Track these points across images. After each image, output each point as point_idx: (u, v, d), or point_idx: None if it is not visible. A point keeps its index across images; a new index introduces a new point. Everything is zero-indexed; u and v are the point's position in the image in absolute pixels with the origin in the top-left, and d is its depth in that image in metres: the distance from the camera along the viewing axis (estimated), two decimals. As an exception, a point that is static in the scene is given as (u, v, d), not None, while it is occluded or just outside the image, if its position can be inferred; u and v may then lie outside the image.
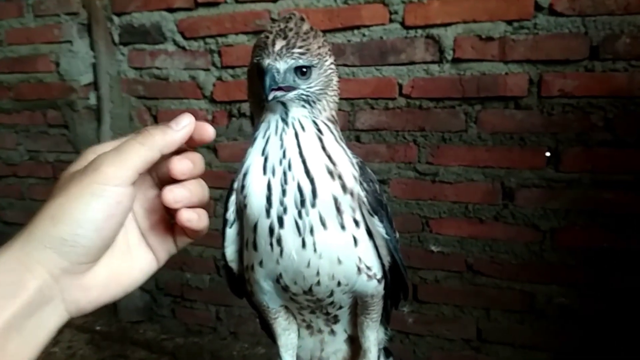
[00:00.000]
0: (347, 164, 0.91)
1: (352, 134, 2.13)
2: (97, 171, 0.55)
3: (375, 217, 0.93)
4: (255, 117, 0.97)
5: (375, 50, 2.02)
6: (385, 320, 1.23)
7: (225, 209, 0.98)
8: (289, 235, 0.88)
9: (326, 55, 0.90)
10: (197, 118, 2.16)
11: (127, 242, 0.63)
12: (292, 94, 0.87)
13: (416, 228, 2.12)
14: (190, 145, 0.66)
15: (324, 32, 2.05)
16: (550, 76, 1.83)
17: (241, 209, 0.93)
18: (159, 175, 0.65)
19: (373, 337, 1.13)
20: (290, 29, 0.86)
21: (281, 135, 0.89)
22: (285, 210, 0.87)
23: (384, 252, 0.99)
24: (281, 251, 0.90)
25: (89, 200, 0.54)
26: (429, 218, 2.10)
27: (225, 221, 0.99)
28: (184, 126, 0.62)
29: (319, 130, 0.90)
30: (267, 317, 1.10)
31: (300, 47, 0.85)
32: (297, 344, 1.16)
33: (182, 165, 0.62)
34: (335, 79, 0.95)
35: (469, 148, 1.98)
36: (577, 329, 1.97)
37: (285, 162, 0.87)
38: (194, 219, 0.63)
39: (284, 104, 0.89)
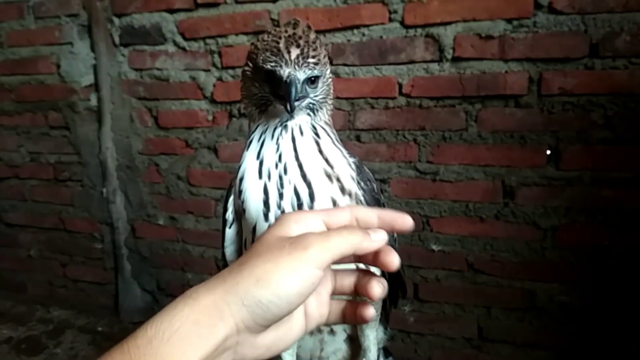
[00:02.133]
0: (344, 166, 0.91)
1: (352, 134, 2.13)
2: (306, 251, 0.58)
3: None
4: (250, 119, 0.97)
5: (375, 50, 2.02)
6: (385, 319, 1.23)
7: (225, 210, 0.99)
8: None
9: (327, 63, 0.91)
10: (197, 119, 2.16)
11: (295, 312, 0.66)
12: (303, 103, 0.88)
13: (417, 227, 2.12)
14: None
15: (324, 32, 2.07)
16: (550, 74, 1.83)
17: (240, 211, 0.93)
18: None
19: (372, 336, 1.13)
20: (300, 37, 0.85)
21: (277, 139, 0.89)
22: (283, 213, 0.87)
23: None
24: None
25: (293, 276, 0.57)
26: (429, 217, 2.10)
27: (224, 221, 1.00)
28: (380, 240, 0.65)
29: (317, 134, 0.91)
30: None
31: (313, 57, 0.85)
32: (296, 343, 1.16)
33: (379, 289, 0.67)
34: (331, 86, 0.96)
35: (470, 147, 1.98)
36: (578, 327, 1.97)
37: (280, 166, 0.88)
38: (373, 313, 0.71)
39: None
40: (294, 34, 0.85)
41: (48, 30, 2.61)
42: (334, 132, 0.96)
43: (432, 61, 1.96)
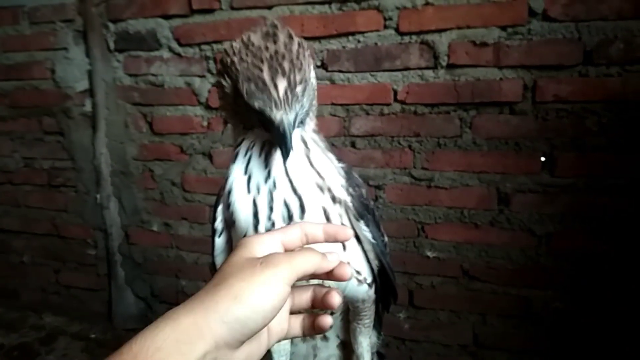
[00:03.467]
0: (335, 175, 0.90)
1: (347, 140, 2.13)
2: (277, 268, 0.64)
3: (362, 221, 0.93)
4: (233, 128, 0.94)
5: (370, 56, 2.03)
6: (378, 324, 1.23)
7: (214, 219, 0.98)
8: None
9: (310, 68, 0.84)
10: (192, 124, 2.15)
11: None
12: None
13: (412, 233, 2.12)
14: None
15: (319, 38, 2.06)
16: (544, 81, 1.83)
17: (230, 222, 0.92)
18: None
19: (366, 343, 1.13)
20: (284, 56, 0.77)
21: (266, 156, 0.87)
22: (273, 225, 0.86)
23: (371, 256, 0.99)
24: None
25: (267, 292, 0.62)
26: (424, 223, 2.10)
27: (214, 231, 0.99)
28: (335, 260, 0.73)
29: (306, 146, 0.88)
30: None
31: (300, 82, 0.77)
32: (289, 350, 1.15)
33: (336, 299, 0.74)
34: (316, 83, 0.91)
35: (464, 153, 1.98)
36: (573, 334, 1.96)
37: (270, 182, 0.86)
38: (331, 321, 0.77)
39: None
40: (276, 52, 0.77)
41: (43, 36, 2.60)
42: (322, 138, 0.94)
43: (427, 68, 1.97)
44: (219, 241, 1.00)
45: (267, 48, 0.77)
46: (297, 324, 0.78)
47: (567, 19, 1.77)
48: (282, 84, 0.76)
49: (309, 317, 0.78)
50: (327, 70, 2.10)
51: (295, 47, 0.79)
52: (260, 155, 0.87)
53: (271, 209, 0.86)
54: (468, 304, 2.11)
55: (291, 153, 0.80)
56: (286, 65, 0.77)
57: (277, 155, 0.85)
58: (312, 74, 0.85)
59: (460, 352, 2.16)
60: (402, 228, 2.11)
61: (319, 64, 2.10)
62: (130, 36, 2.42)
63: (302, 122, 0.88)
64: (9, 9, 2.64)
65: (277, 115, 0.76)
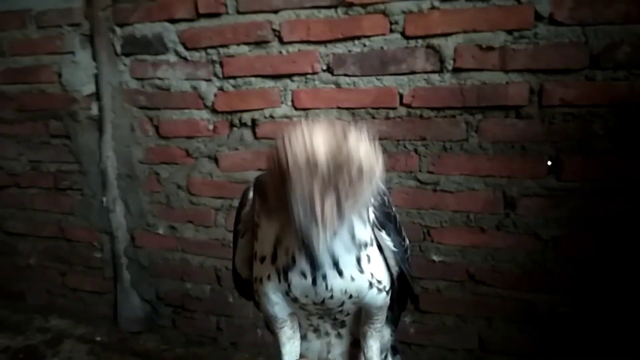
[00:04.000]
0: (366, 229, 0.91)
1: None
2: None
3: (383, 231, 0.94)
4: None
5: (376, 60, 2.03)
6: (392, 321, 1.24)
7: (237, 221, 0.99)
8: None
9: (377, 187, 0.79)
10: (198, 128, 2.17)
11: None
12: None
13: (417, 237, 2.11)
14: None
15: (325, 42, 2.07)
16: (551, 85, 1.83)
17: (256, 225, 0.93)
18: None
19: (376, 346, 1.14)
20: (342, 185, 0.70)
21: None
22: None
23: (392, 263, 1.01)
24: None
25: None
26: (430, 227, 2.09)
27: (237, 232, 1.00)
28: None
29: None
30: (273, 326, 1.11)
31: (350, 207, 0.73)
32: (299, 351, 1.16)
33: None
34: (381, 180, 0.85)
35: (470, 157, 1.98)
36: (579, 338, 1.96)
37: None
38: None
39: None
40: (337, 181, 0.69)
41: (50, 40, 2.62)
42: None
43: (433, 72, 1.97)
44: (241, 242, 1.02)
45: (326, 172, 0.71)
46: None
47: (573, 22, 1.77)
48: (329, 212, 0.71)
49: None
50: (332, 74, 2.10)
51: (354, 172, 0.73)
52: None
53: None
54: (474, 308, 2.10)
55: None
56: (342, 195, 0.71)
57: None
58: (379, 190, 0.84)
59: (466, 357, 2.16)
60: (407, 232, 2.09)
61: (324, 67, 2.11)
62: (137, 40, 2.43)
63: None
64: (16, 13, 2.66)
65: (317, 239, 0.72)
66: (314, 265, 0.80)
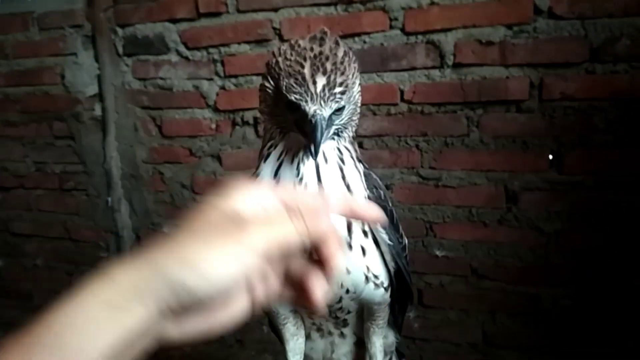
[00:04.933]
0: (361, 189, 0.91)
1: (355, 141, 2.14)
2: (246, 234, 0.52)
3: (378, 224, 0.94)
4: (268, 131, 0.94)
5: (376, 57, 2.03)
6: (394, 325, 1.24)
7: None
8: None
9: (355, 79, 0.86)
10: (201, 127, 2.17)
11: (233, 296, 0.58)
12: (330, 134, 0.86)
13: (420, 233, 2.12)
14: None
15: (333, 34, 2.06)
16: (551, 79, 1.83)
17: None
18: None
19: (379, 342, 1.14)
20: (327, 58, 0.79)
21: (298, 164, 0.87)
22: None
23: (388, 257, 1.00)
24: None
25: (227, 260, 0.50)
26: (432, 223, 2.10)
27: None
28: (335, 238, 0.58)
29: (341, 158, 0.89)
30: (276, 322, 1.12)
31: (340, 85, 0.79)
32: (304, 348, 1.17)
33: (319, 291, 0.59)
34: (360, 98, 0.92)
35: (472, 152, 1.99)
36: (582, 331, 1.96)
37: (301, 185, 0.87)
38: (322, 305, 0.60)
39: None
40: (320, 53, 0.79)
41: (52, 41, 2.63)
42: (356, 147, 0.96)
43: (433, 67, 1.98)
44: None
45: (312, 49, 0.80)
46: (288, 295, 0.63)
47: (572, 16, 1.77)
48: (321, 81, 0.78)
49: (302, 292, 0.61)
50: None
51: (340, 52, 0.82)
52: (292, 162, 0.87)
53: None
54: (477, 303, 2.11)
55: (325, 165, 0.84)
56: (328, 65, 0.79)
57: (310, 163, 0.86)
58: (357, 88, 0.87)
59: (469, 351, 2.17)
60: (410, 227, 2.12)
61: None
62: (139, 41, 2.44)
63: (338, 134, 0.89)
64: (19, 16, 2.67)
65: (312, 108, 0.78)
66: (315, 138, 0.78)
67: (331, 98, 0.79)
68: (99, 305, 0.46)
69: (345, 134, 0.91)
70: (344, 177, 0.88)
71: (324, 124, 0.79)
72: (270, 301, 0.61)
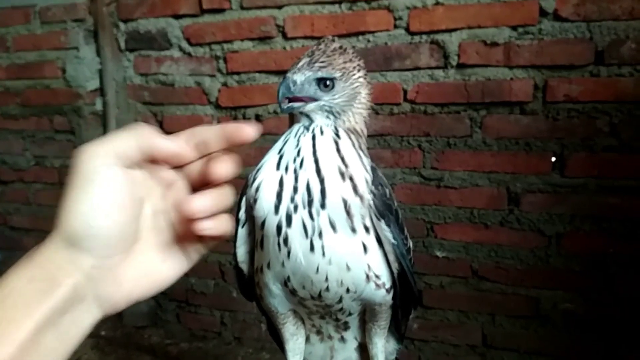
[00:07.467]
0: (359, 167, 0.91)
1: (364, 135, 2.13)
2: (93, 147, 0.55)
3: (382, 220, 0.93)
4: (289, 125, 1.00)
5: (380, 56, 2.03)
6: (396, 330, 1.22)
7: (238, 209, 0.99)
8: (296, 236, 0.89)
9: (354, 69, 0.95)
10: (202, 123, 2.16)
11: (159, 241, 0.62)
12: (312, 105, 0.92)
13: (421, 233, 2.12)
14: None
15: (334, 37, 2.05)
16: (555, 81, 1.83)
17: (251, 205, 0.93)
18: (191, 178, 0.64)
19: (380, 344, 1.13)
20: (319, 49, 0.93)
21: (299, 137, 0.92)
22: (295, 208, 0.88)
23: (392, 258, 0.99)
24: (288, 252, 0.90)
25: (84, 187, 0.54)
26: (433, 223, 2.10)
27: (237, 221, 1.00)
28: (178, 146, 0.61)
29: (337, 135, 0.93)
30: (276, 321, 1.11)
31: (322, 62, 0.91)
32: (304, 349, 1.16)
33: (220, 169, 0.60)
34: (365, 92, 0.98)
35: (474, 153, 1.98)
36: (582, 334, 1.96)
37: (298, 160, 0.89)
38: (211, 227, 0.60)
39: (308, 116, 0.93)
40: (316, 48, 0.94)
41: (54, 35, 2.62)
42: (360, 139, 0.98)
43: (437, 67, 1.97)
44: (242, 232, 1.02)
45: (312, 48, 0.95)
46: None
47: (578, 18, 1.76)
48: (304, 60, 0.91)
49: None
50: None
51: (333, 45, 0.95)
52: (295, 136, 0.93)
53: (295, 189, 0.88)
54: (477, 304, 2.10)
55: (321, 137, 0.91)
56: (317, 52, 0.92)
57: (308, 136, 0.92)
58: (355, 76, 0.95)
59: (469, 352, 2.16)
60: (411, 228, 2.10)
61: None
62: (141, 36, 2.43)
63: (333, 114, 0.94)
64: (21, 9, 2.66)
65: (287, 74, 0.91)
66: (280, 91, 0.90)
67: (307, 68, 0.90)
68: (24, 282, 0.51)
69: (344, 117, 0.95)
70: (338, 150, 0.91)
71: (292, 85, 0.90)
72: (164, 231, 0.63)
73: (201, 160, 0.62)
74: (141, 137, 0.58)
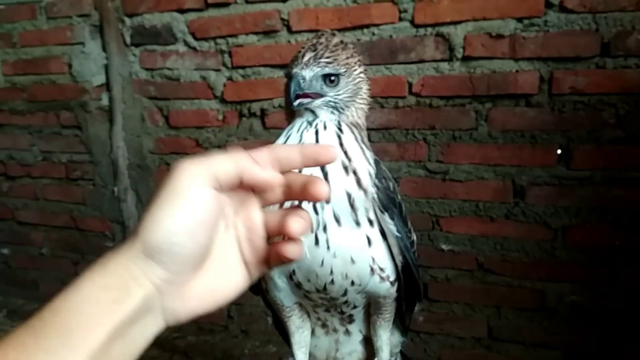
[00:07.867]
0: (362, 161, 0.92)
1: (364, 128, 2.13)
2: (185, 171, 0.55)
3: (386, 214, 0.94)
4: (287, 119, 1.02)
5: (385, 49, 2.02)
6: (401, 323, 1.23)
7: None
8: None
9: (355, 65, 0.96)
10: (208, 118, 2.16)
11: (226, 258, 0.63)
12: (319, 101, 0.92)
13: (426, 227, 2.12)
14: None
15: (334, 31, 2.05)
16: (561, 73, 1.82)
17: None
18: (265, 198, 0.65)
19: (385, 336, 1.13)
20: (321, 43, 0.93)
21: (302, 132, 0.93)
22: (299, 203, 0.88)
23: (396, 251, 0.99)
24: None
25: (175, 203, 0.54)
26: (439, 216, 2.10)
27: None
28: (271, 176, 0.61)
29: (340, 129, 0.93)
30: (282, 315, 1.11)
31: (327, 58, 0.91)
32: (310, 342, 1.17)
33: (296, 224, 0.60)
34: (365, 87, 0.99)
35: (480, 146, 1.98)
36: (588, 327, 1.96)
37: None
38: (295, 251, 0.62)
39: (312, 111, 0.93)
40: (317, 42, 0.94)
41: (60, 30, 2.63)
42: (362, 133, 0.98)
43: (442, 60, 1.96)
44: None
45: (312, 41, 0.95)
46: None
47: (584, 10, 1.75)
48: (308, 54, 0.92)
49: (275, 245, 0.64)
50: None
51: (334, 40, 0.95)
52: (298, 131, 0.94)
53: None
54: (483, 297, 2.11)
55: (324, 132, 0.92)
56: (320, 47, 0.93)
57: (311, 131, 0.93)
58: (357, 71, 0.96)
59: (474, 345, 2.17)
60: (416, 221, 2.11)
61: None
62: (146, 30, 2.44)
63: (337, 109, 0.94)
64: (27, 4, 2.67)
65: (294, 70, 0.91)
66: (289, 96, 0.89)
67: (314, 64, 0.91)
68: (98, 290, 0.51)
69: (347, 112, 0.96)
70: (341, 144, 0.91)
71: (302, 81, 0.90)
72: (261, 264, 0.65)
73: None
74: (239, 164, 0.58)
